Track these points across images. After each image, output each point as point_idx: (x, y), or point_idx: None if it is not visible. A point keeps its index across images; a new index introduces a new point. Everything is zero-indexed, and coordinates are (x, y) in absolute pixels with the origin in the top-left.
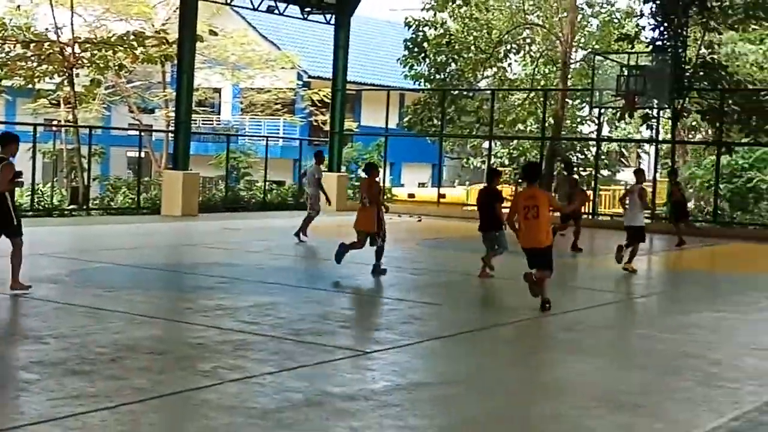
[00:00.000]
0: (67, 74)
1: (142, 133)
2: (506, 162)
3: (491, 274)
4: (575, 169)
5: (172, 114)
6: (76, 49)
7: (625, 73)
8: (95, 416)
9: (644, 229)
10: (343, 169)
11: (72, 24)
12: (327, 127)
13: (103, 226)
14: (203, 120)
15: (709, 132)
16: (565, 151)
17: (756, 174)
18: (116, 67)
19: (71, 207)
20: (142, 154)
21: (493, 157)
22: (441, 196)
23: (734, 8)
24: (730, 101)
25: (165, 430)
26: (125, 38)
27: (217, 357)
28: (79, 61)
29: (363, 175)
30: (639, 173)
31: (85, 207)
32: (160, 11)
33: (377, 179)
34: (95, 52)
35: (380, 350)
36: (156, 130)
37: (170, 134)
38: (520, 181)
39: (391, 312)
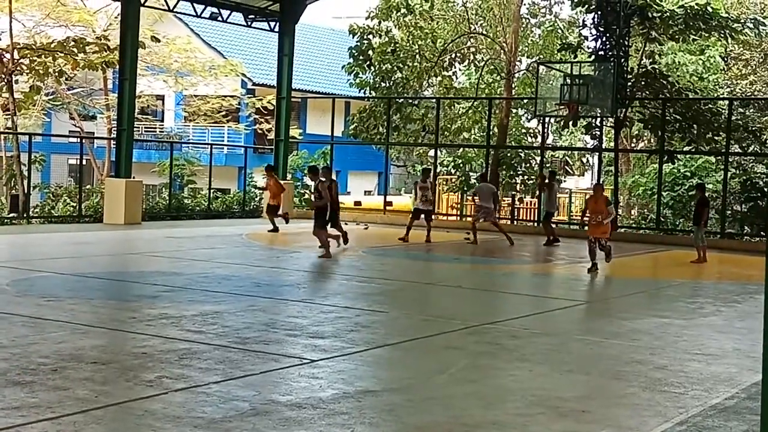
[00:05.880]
0: (5, 81)
1: (84, 141)
2: (452, 170)
3: None
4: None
5: (115, 121)
6: (15, 55)
7: (569, 82)
8: (36, 427)
9: None
10: (289, 176)
11: (11, 30)
12: (272, 135)
13: (44, 235)
14: (146, 127)
15: (652, 141)
16: (510, 160)
17: (698, 182)
18: (56, 74)
19: (11, 215)
20: (84, 162)
21: (438, 165)
22: (387, 203)
23: (674, 19)
24: (672, 110)
25: None
26: (65, 44)
27: (162, 366)
28: (18, 68)
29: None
30: None
31: (25, 215)
32: (101, 18)
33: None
34: (35, 58)
35: (327, 358)
36: (98, 137)
37: (112, 141)
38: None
39: (338, 320)
